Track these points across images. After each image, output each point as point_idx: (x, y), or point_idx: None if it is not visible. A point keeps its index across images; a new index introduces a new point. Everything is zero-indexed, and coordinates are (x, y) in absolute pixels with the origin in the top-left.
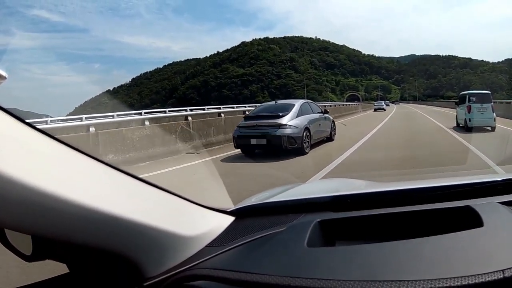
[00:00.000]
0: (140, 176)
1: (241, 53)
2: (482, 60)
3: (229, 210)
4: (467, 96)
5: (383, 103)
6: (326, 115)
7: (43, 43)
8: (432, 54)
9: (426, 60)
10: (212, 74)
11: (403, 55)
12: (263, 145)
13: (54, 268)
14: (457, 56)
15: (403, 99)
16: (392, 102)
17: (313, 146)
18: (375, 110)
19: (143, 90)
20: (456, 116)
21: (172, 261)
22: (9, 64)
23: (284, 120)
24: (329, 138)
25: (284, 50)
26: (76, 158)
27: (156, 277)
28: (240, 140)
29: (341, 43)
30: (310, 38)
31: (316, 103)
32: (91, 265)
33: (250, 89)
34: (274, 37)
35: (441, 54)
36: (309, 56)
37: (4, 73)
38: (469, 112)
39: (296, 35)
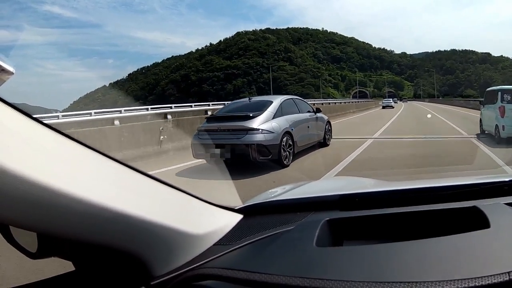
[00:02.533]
0: None
1: (229, 44)
2: (502, 56)
3: (237, 208)
4: (499, 93)
5: (391, 101)
6: (318, 114)
7: (56, 39)
8: (448, 49)
9: (441, 55)
10: (194, 67)
11: (416, 52)
12: (227, 156)
13: (60, 266)
14: (474, 51)
15: (417, 97)
16: (400, 100)
17: (300, 154)
18: (383, 107)
19: (131, 85)
20: (480, 119)
21: (180, 260)
22: (21, 60)
23: (254, 123)
24: (323, 143)
25: (282, 40)
26: (83, 154)
27: (163, 276)
28: (198, 149)
29: (349, 35)
30: (316, 30)
31: (306, 100)
32: (97, 263)
33: (234, 83)
34: (276, 28)
35: (457, 49)
36: (312, 49)
37: (11, 69)
38: (502, 116)
39: (302, 27)
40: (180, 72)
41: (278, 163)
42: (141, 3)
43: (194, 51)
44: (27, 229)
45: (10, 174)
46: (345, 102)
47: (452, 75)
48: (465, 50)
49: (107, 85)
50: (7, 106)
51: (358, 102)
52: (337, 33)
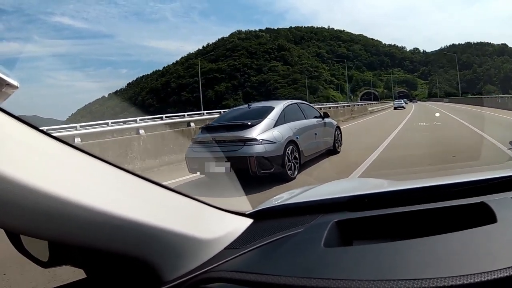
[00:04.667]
0: None
1: (217, 45)
2: None
3: (247, 212)
4: None
5: (402, 102)
6: (326, 119)
7: (67, 50)
8: (462, 42)
9: (456, 49)
10: (176, 73)
11: (429, 51)
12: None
13: (71, 274)
14: (490, 43)
15: (432, 96)
16: (410, 100)
17: (306, 164)
18: (395, 108)
19: (123, 95)
20: None
21: (190, 265)
22: (33, 71)
23: (253, 133)
24: (333, 151)
25: (277, 38)
26: (91, 164)
27: (174, 280)
28: (192, 163)
29: (357, 33)
30: (322, 28)
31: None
32: (108, 269)
33: (216, 89)
34: (278, 27)
35: (472, 42)
36: (316, 47)
37: (16, 83)
38: None
39: (306, 25)
40: (161, 79)
41: (282, 177)
42: (152, 12)
43: (185, 55)
44: (38, 237)
45: (19, 184)
46: (343, 106)
47: (469, 70)
48: (481, 42)
49: (106, 95)
50: (14, 119)
51: (356, 105)
52: (344, 30)
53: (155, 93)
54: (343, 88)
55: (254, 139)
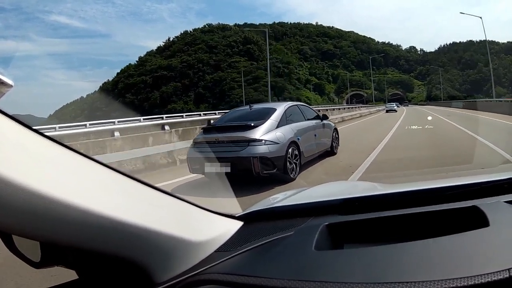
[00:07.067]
0: None
1: (180, 38)
2: None
3: (237, 215)
4: None
5: (394, 105)
6: (325, 121)
7: (65, 49)
8: (464, 40)
9: (457, 46)
10: (126, 71)
11: (428, 51)
12: (226, 171)
13: (63, 275)
14: (495, 41)
15: (432, 99)
16: (401, 104)
17: (306, 165)
18: (387, 111)
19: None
20: None
21: (181, 267)
22: (30, 70)
23: (256, 133)
24: (330, 152)
25: (253, 32)
26: (83, 163)
27: (164, 282)
28: (194, 163)
29: (347, 29)
30: (308, 24)
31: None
32: (100, 271)
33: (163, 90)
34: (259, 23)
35: (474, 40)
36: (298, 44)
37: (10, 81)
38: None
39: (291, 22)
40: (114, 78)
41: (283, 177)
42: (149, 12)
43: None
44: (30, 237)
45: (11, 183)
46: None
47: (474, 70)
48: (484, 40)
49: (85, 96)
50: (8, 118)
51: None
52: (333, 27)
53: (104, 95)
54: (324, 89)
55: (258, 140)
